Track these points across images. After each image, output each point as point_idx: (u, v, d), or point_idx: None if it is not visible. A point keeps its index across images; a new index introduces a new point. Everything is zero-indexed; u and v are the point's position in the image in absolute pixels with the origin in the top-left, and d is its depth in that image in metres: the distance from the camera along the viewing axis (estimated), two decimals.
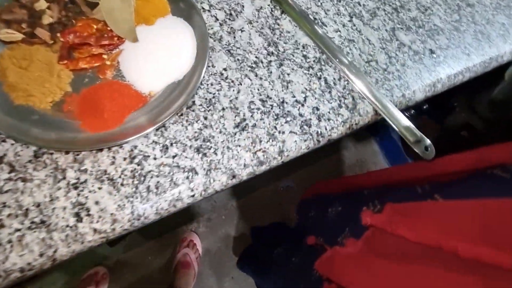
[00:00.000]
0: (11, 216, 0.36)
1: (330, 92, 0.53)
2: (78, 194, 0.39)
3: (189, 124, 0.46)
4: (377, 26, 0.63)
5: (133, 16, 0.48)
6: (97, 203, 0.39)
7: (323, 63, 0.55)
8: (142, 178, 0.41)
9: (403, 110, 0.58)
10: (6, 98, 0.40)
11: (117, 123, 0.41)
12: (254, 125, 0.48)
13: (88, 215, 0.38)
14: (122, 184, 0.40)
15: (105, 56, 0.46)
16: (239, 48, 0.53)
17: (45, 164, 0.39)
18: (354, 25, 0.61)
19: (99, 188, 0.40)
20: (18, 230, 0.36)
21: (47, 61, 0.43)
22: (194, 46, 0.48)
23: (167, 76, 0.45)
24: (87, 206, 0.38)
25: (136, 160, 0.42)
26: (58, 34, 0.45)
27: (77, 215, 0.38)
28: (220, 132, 0.46)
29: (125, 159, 0.42)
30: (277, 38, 0.55)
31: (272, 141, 0.48)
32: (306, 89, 0.53)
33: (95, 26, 0.46)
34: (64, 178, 0.39)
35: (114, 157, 0.41)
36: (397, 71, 0.59)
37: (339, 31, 0.60)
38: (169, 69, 0.46)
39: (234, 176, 0.45)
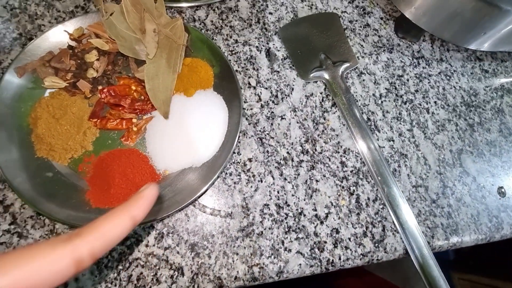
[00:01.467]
0: None
1: (358, 214, 0.47)
2: None
3: (192, 215, 0.43)
4: (441, 144, 0.54)
5: (174, 86, 0.46)
6: (76, 280, 0.38)
7: (361, 176, 0.49)
8: (127, 265, 0.40)
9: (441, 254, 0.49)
10: (30, 147, 0.41)
11: (121, 201, 0.40)
12: (261, 234, 0.44)
13: None
14: (106, 266, 0.39)
15: (134, 120, 0.45)
16: (273, 138, 0.49)
17: (43, 224, 0.40)
18: (413, 137, 0.53)
19: None
20: None
21: (79, 116, 0.43)
22: (224, 130, 0.45)
23: (188, 159, 0.43)
24: (66, 281, 0.38)
25: (128, 243, 0.41)
26: (99, 87, 0.46)
27: None
28: (222, 232, 0.43)
29: None
30: (318, 135, 0.50)
31: (274, 257, 0.43)
32: (331, 204, 0.47)
33: (134, 88, 0.46)
34: None
35: None
36: (448, 207, 0.50)
37: (393, 140, 0.52)
38: (192, 152, 0.43)
39: (221, 287, 0.41)
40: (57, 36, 0.45)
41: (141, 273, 0.40)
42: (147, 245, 0.41)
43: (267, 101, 0.51)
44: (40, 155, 0.41)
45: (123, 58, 0.48)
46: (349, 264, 0.45)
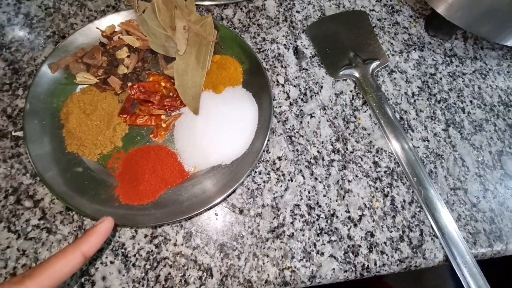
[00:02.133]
0: (25, 266, 0.37)
1: (394, 217, 0.44)
2: (90, 263, 0.38)
3: (221, 214, 0.42)
4: (479, 145, 0.51)
5: (203, 82, 0.46)
6: (104, 278, 0.37)
7: (395, 177, 0.46)
8: (155, 264, 0.38)
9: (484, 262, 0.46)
10: (61, 142, 0.41)
11: (150, 198, 0.39)
12: (292, 235, 0.42)
13: None
14: (133, 265, 0.38)
15: (163, 117, 0.45)
16: (302, 136, 0.47)
17: (72, 220, 0.39)
18: (449, 137, 0.50)
19: (111, 262, 0.38)
20: None
21: (109, 111, 0.43)
22: (254, 128, 0.44)
23: (217, 157, 0.42)
24: (94, 279, 0.37)
25: (156, 241, 0.39)
26: (129, 84, 0.46)
27: (81, 285, 0.37)
28: (252, 233, 0.41)
29: (146, 236, 0.39)
30: (349, 134, 0.48)
31: (307, 261, 0.41)
32: (365, 205, 0.44)
33: (163, 84, 0.45)
34: None
35: (136, 231, 0.40)
36: (490, 211, 0.47)
37: (428, 140, 0.50)
38: (222, 149, 0.42)
39: None
40: (90, 33, 0.46)
41: (169, 273, 0.38)
42: (175, 244, 0.39)
43: (296, 99, 0.49)
44: (70, 150, 0.41)
45: (152, 55, 0.48)
46: (385, 270, 0.42)
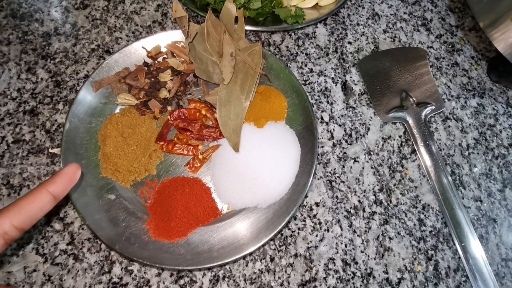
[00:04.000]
0: None
1: (436, 285, 0.40)
2: None
3: (251, 260, 0.39)
4: None
5: (244, 115, 0.43)
6: None
7: (441, 240, 0.42)
8: None
9: None
10: (96, 166, 0.40)
11: (181, 235, 0.37)
12: None
13: None
14: None
15: (200, 147, 0.43)
16: (343, 182, 0.44)
17: (99, 249, 0.38)
18: (505, 199, 0.46)
19: None
20: None
21: (147, 136, 0.42)
22: (295, 171, 0.41)
23: (253, 198, 0.40)
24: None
25: (182, 282, 0.38)
26: (169, 108, 0.44)
27: None
28: (281, 285, 0.39)
29: (172, 275, 0.38)
30: (395, 185, 0.45)
31: None
32: (405, 267, 0.41)
33: (204, 113, 0.43)
34: (109, 272, 0.37)
35: (162, 269, 0.38)
36: None
37: (480, 200, 0.45)
38: (259, 190, 0.40)
39: None
40: (134, 52, 0.44)
41: None
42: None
43: (340, 140, 0.46)
44: (105, 175, 0.39)
45: (195, 79, 0.46)
46: None
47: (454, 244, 0.42)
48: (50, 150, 0.41)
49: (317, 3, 0.51)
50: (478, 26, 0.55)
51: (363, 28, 0.53)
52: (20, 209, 0.24)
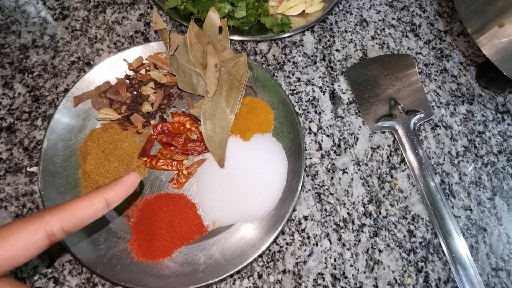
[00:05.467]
0: None
1: None
2: None
3: (238, 278, 0.39)
4: None
5: (230, 128, 0.42)
6: None
7: (431, 251, 0.42)
8: None
9: None
10: (76, 185, 0.38)
11: (165, 255, 0.36)
12: None
13: None
14: None
15: (185, 162, 0.42)
16: (332, 194, 0.43)
17: (81, 271, 0.37)
18: (495, 207, 0.45)
19: None
20: None
21: (129, 152, 0.40)
22: (282, 185, 0.40)
23: (240, 213, 0.39)
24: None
25: None
26: (152, 121, 0.43)
27: None
28: None
29: None
30: (384, 196, 0.44)
31: None
32: (395, 280, 0.40)
33: (188, 126, 0.42)
34: None
35: None
36: None
37: (470, 209, 0.45)
38: (246, 205, 0.39)
39: None
40: (115, 64, 0.43)
41: None
42: None
43: (328, 151, 0.45)
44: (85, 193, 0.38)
45: (179, 92, 0.45)
46: None
47: (444, 255, 0.42)
48: (28, 169, 0.39)
49: (303, 11, 0.50)
50: (467, 31, 0.54)
51: (351, 35, 0.52)
52: (73, 212, 0.23)
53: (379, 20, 0.54)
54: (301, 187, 0.41)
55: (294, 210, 0.42)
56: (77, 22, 0.48)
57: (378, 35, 0.53)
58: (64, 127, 0.39)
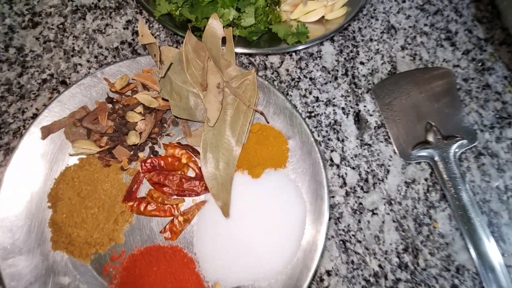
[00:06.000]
0: None
1: None
2: None
3: None
4: None
5: (236, 162, 0.35)
6: None
7: None
8: None
9: None
10: (45, 239, 0.31)
11: None
12: None
13: None
14: None
15: (181, 206, 0.34)
16: (360, 242, 0.36)
17: None
18: None
19: None
20: None
21: (112, 195, 0.33)
22: (300, 236, 0.33)
23: (249, 273, 0.31)
24: None
25: None
26: (140, 155, 0.35)
27: None
28: None
29: None
30: (422, 242, 0.37)
31: None
32: None
33: (184, 161, 0.35)
34: None
35: None
36: None
37: None
38: (256, 263, 0.31)
39: None
40: (95, 85, 0.35)
41: None
42: None
43: (354, 187, 0.38)
44: (55, 250, 0.31)
45: (173, 117, 0.37)
46: None
47: None
48: None
49: (323, 16, 0.42)
50: (511, 39, 0.47)
51: (378, 45, 0.45)
52: None
53: (409, 27, 0.47)
54: (325, 237, 0.34)
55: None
56: (51, 31, 0.40)
57: (409, 44, 0.45)
58: (30, 164, 0.32)
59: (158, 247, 0.32)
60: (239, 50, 0.38)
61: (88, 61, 0.39)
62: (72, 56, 0.39)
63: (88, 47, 0.40)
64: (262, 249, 0.32)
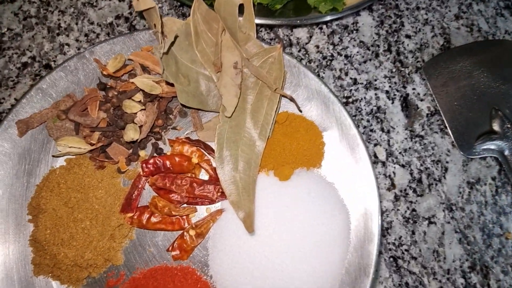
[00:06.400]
0: None
1: None
2: None
3: None
4: None
5: (259, 161, 0.28)
6: None
7: None
8: None
9: None
10: (25, 261, 0.25)
11: None
12: None
13: None
14: None
15: (192, 217, 0.28)
16: (415, 259, 0.29)
17: None
18: None
19: None
20: None
21: (107, 204, 0.27)
22: (344, 252, 0.26)
23: None
24: None
25: None
26: (141, 153, 0.29)
27: None
28: None
29: None
30: (492, 258, 0.30)
31: None
32: None
33: (195, 160, 0.28)
34: None
35: None
36: None
37: None
38: (286, 285, 0.25)
39: None
40: (84, 67, 0.29)
41: None
42: None
43: (405, 189, 0.31)
44: (37, 275, 0.25)
45: (180, 106, 0.30)
46: None
47: None
48: None
49: None
50: None
51: (426, 14, 0.37)
52: None
53: None
54: (377, 253, 0.27)
55: None
56: (32, 5, 0.33)
57: (464, 13, 0.37)
58: (7, 168, 0.26)
59: (166, 268, 0.27)
60: (258, 21, 0.31)
61: (77, 40, 0.33)
62: (58, 34, 0.33)
63: (76, 24, 0.33)
64: (294, 273, 0.25)
